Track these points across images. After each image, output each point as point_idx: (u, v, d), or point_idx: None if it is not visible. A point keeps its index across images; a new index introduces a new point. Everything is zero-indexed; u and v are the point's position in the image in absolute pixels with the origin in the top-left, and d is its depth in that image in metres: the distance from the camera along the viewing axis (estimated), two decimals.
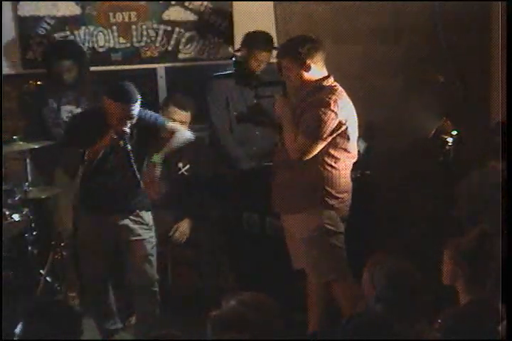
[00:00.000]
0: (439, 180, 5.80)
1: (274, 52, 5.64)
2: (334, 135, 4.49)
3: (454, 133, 5.55)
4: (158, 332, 3.30)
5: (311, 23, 5.96)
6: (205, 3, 6.00)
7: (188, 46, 6.06)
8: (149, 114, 4.81)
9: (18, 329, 3.24)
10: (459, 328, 3.32)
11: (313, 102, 4.51)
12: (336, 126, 4.47)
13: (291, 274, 5.09)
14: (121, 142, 4.63)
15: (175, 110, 5.49)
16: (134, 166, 4.67)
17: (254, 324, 3.25)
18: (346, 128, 4.52)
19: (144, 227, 4.88)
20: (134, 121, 4.64)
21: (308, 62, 4.51)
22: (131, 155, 4.64)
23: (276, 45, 5.87)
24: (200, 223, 5.60)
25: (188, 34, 6.04)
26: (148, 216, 4.91)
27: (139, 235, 4.86)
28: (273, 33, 5.90)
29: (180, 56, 6.09)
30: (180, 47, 6.06)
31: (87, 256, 4.93)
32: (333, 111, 4.45)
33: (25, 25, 5.87)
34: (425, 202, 6.03)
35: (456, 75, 5.93)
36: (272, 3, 6.00)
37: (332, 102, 4.46)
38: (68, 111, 5.65)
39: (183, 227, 5.53)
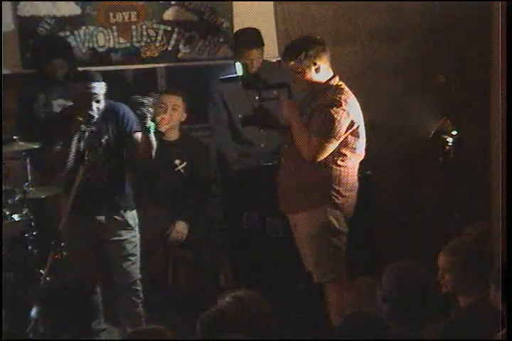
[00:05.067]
0: (439, 180, 5.81)
1: (267, 49, 5.68)
2: (347, 134, 4.52)
3: (454, 133, 5.55)
4: (144, 328, 3.31)
5: (311, 23, 5.95)
6: (205, 3, 6.00)
7: (188, 46, 6.06)
8: (127, 115, 4.82)
9: (33, 313, 3.29)
10: (460, 330, 3.33)
11: (324, 103, 4.53)
12: (348, 125, 4.50)
13: (291, 274, 5.09)
14: (83, 126, 4.63)
15: (167, 96, 5.54)
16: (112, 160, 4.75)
17: (243, 323, 3.26)
18: (357, 127, 4.56)
19: (125, 227, 4.88)
20: (102, 106, 4.69)
21: (318, 63, 4.54)
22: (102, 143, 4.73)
23: (276, 44, 5.88)
24: (199, 223, 5.60)
25: (188, 34, 6.04)
26: (132, 215, 4.92)
27: (119, 235, 4.87)
28: (273, 33, 5.91)
29: (180, 56, 6.09)
30: (180, 47, 6.06)
31: (74, 256, 4.97)
32: (344, 110, 4.48)
33: (25, 25, 5.87)
34: (425, 202, 6.02)
35: (457, 75, 5.93)
36: (271, 3, 5.99)
37: (343, 102, 4.50)
38: (60, 105, 5.66)
39: (180, 226, 5.52)
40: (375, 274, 3.90)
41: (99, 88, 4.69)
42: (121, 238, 4.88)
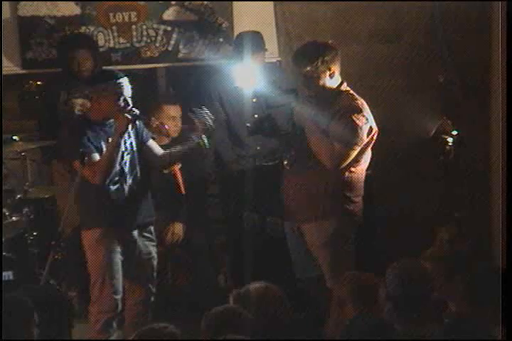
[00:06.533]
0: (439, 180, 5.81)
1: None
2: (367, 140, 4.49)
3: (454, 133, 5.55)
4: (152, 326, 3.29)
5: (311, 23, 5.95)
6: (205, 3, 6.00)
7: (188, 46, 6.06)
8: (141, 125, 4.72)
9: None
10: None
11: (342, 109, 4.48)
12: (368, 131, 4.48)
13: (290, 274, 5.09)
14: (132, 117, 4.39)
15: (168, 107, 5.52)
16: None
17: (250, 322, 3.27)
18: (375, 133, 4.54)
19: (152, 244, 4.77)
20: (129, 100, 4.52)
21: (332, 69, 4.51)
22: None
23: (276, 44, 5.88)
24: (198, 223, 5.60)
25: (188, 34, 6.04)
26: (152, 230, 4.80)
27: (149, 253, 4.75)
28: (273, 33, 5.90)
29: (180, 56, 6.09)
30: (180, 47, 6.06)
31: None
32: (364, 115, 4.46)
33: (25, 25, 5.87)
34: (426, 202, 6.03)
35: (456, 75, 5.93)
36: (271, 3, 6.00)
37: (361, 107, 4.47)
38: (80, 104, 5.63)
39: (176, 229, 5.48)
40: (377, 274, 3.90)
41: (124, 84, 4.51)
42: (150, 256, 4.75)
